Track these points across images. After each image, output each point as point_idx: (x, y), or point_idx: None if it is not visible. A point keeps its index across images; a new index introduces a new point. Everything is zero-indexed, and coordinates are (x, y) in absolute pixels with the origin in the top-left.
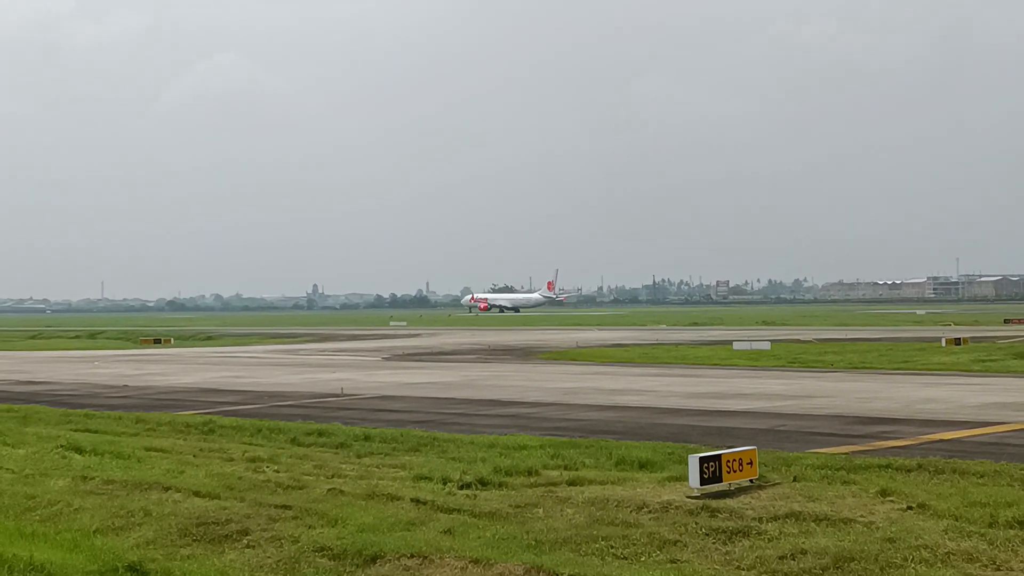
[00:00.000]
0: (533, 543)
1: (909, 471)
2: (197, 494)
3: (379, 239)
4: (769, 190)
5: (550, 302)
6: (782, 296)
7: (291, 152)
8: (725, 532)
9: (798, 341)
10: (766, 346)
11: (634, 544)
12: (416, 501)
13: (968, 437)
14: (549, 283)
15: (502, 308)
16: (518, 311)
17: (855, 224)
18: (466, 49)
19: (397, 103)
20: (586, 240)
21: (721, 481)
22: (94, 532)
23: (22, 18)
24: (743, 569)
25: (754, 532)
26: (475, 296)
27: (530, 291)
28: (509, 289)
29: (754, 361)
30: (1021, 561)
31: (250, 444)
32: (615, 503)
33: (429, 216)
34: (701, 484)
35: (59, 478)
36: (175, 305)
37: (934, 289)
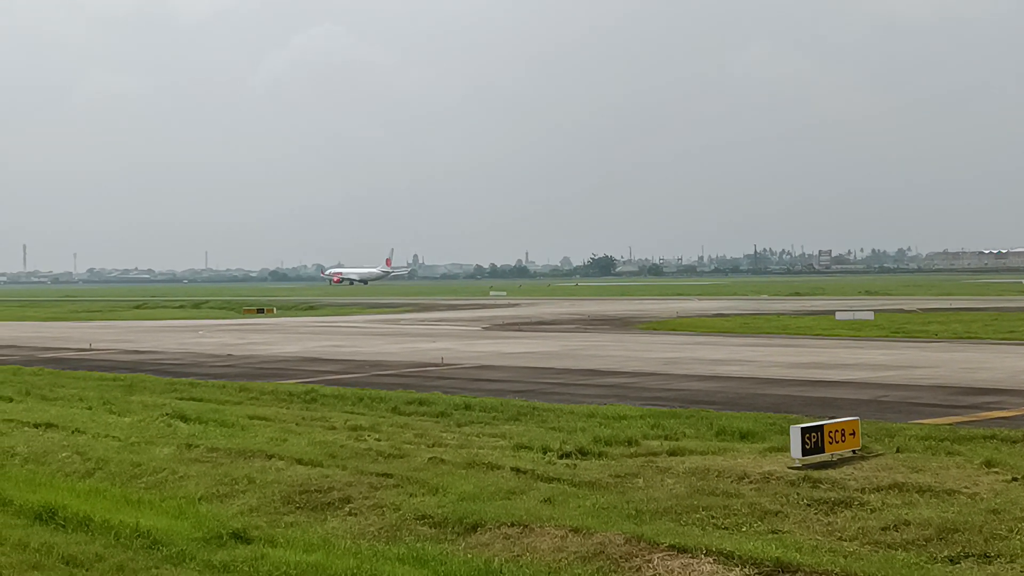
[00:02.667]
0: (633, 513)
1: (1015, 442)
2: (300, 462)
3: (479, 209)
4: (872, 159)
5: (386, 276)
6: (885, 265)
7: (389, 123)
8: (827, 503)
9: (902, 311)
10: (869, 316)
11: (735, 514)
12: (516, 470)
13: None
14: (387, 260)
15: (351, 281)
16: (366, 283)
17: (960, 193)
18: (555, 10)
19: (495, 69)
20: (686, 209)
21: (823, 452)
22: (199, 499)
23: None
24: (845, 540)
25: (856, 503)
26: (327, 271)
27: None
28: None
29: (857, 331)
30: None
31: (352, 413)
32: (716, 473)
33: (529, 185)
34: (803, 455)
35: (164, 446)
36: (277, 275)
37: None
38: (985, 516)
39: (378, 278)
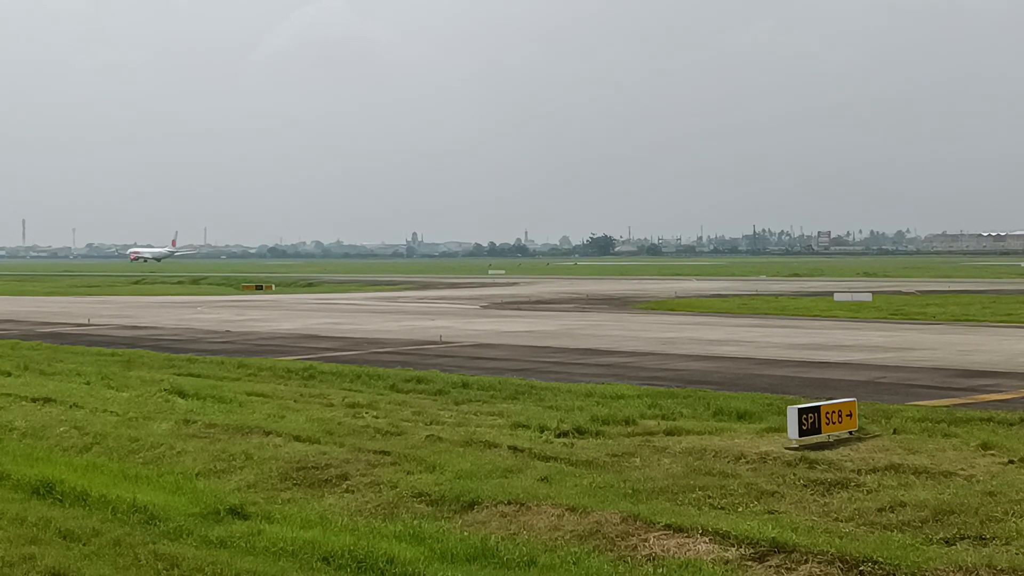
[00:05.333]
0: (630, 492)
1: (1011, 424)
2: (297, 439)
3: (479, 187)
4: (872, 140)
5: (172, 255)
6: (884, 247)
7: (391, 100)
8: (823, 484)
9: (900, 293)
10: (867, 297)
11: (731, 494)
12: (513, 449)
13: None
14: (173, 241)
15: (145, 259)
16: (159, 260)
17: (959, 175)
18: None
19: (497, 48)
20: (685, 189)
21: (820, 433)
22: (196, 475)
23: None
24: (841, 521)
25: (853, 484)
26: (128, 250)
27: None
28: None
29: (855, 313)
30: None
31: (350, 390)
32: (712, 453)
33: (529, 164)
34: (800, 435)
35: (162, 421)
36: (276, 252)
37: None
38: (981, 498)
39: (167, 256)
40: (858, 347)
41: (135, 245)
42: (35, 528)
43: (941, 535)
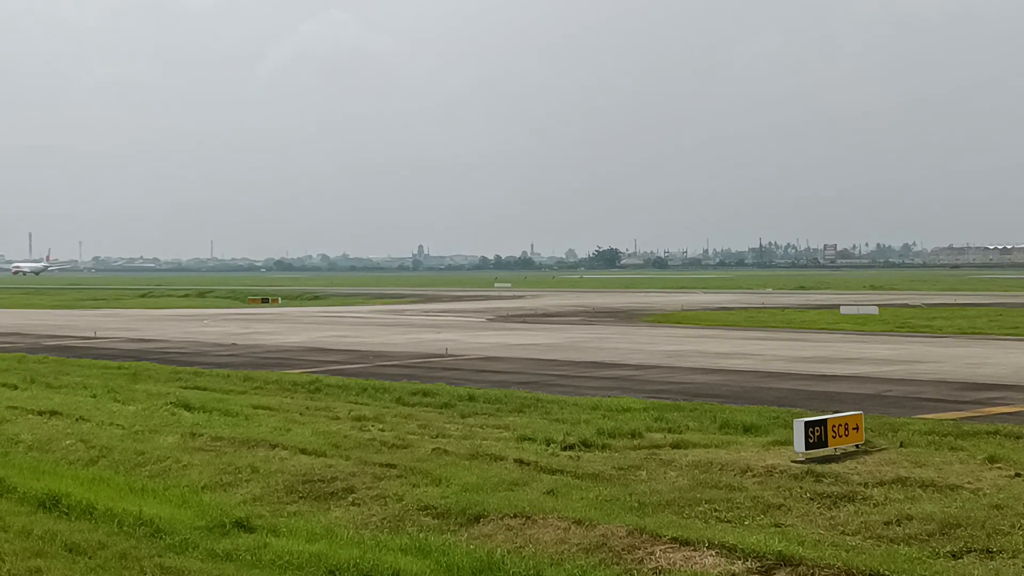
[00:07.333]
0: (636, 505)
1: (1018, 437)
2: (303, 452)
3: (485, 201)
4: (878, 153)
5: (46, 268)
6: (890, 260)
7: (396, 112)
8: (830, 497)
9: (906, 306)
10: (874, 311)
11: (738, 508)
12: (519, 462)
13: None
14: (47, 256)
15: (25, 272)
16: (37, 274)
17: (966, 188)
18: (562, 2)
19: (503, 60)
20: (692, 202)
21: (827, 446)
22: (202, 488)
23: None
24: (848, 534)
25: (859, 497)
26: (12, 264)
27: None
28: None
29: (861, 326)
30: None
31: (356, 403)
32: (719, 467)
33: (535, 177)
34: (806, 449)
35: (168, 435)
36: (283, 265)
37: None
38: (988, 511)
39: (43, 270)
40: (864, 360)
41: (16, 261)
42: (41, 541)
43: (948, 548)
